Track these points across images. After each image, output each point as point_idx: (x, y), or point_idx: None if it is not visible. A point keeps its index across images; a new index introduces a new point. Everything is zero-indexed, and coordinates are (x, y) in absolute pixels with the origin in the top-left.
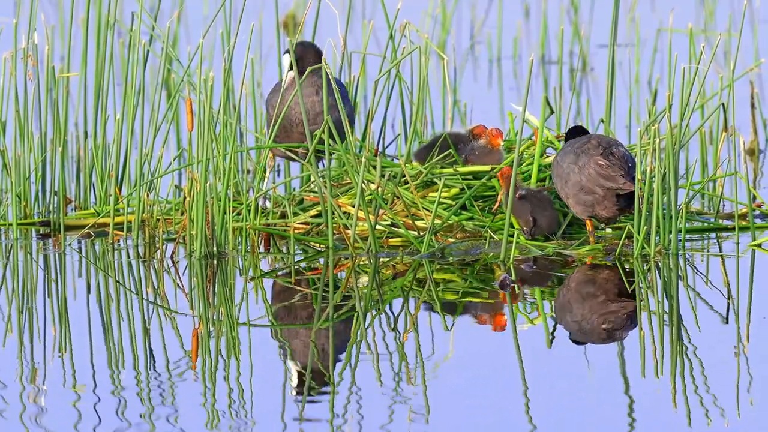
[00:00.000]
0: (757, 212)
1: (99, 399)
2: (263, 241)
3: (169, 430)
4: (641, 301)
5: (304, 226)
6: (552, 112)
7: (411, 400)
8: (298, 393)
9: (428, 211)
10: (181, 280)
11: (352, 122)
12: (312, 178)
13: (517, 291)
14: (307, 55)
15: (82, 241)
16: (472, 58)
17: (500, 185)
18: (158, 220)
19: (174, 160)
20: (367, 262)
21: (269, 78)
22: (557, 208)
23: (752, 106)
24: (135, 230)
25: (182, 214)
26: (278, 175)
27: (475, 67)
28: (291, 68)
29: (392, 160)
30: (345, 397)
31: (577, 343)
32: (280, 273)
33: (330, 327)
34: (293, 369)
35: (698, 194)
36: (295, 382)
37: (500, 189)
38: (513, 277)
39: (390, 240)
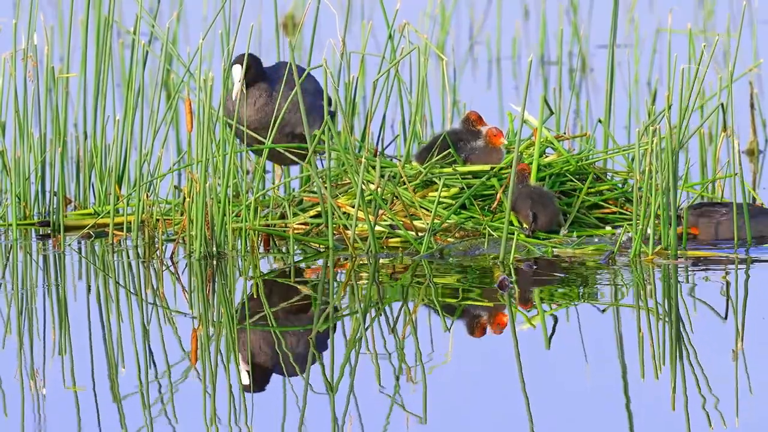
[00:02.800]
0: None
1: (98, 400)
2: (263, 241)
3: (169, 431)
4: (640, 301)
5: (304, 226)
6: (552, 113)
7: (409, 401)
8: (246, 390)
9: (427, 211)
10: (180, 281)
11: (320, 118)
12: (312, 179)
13: (516, 292)
14: (252, 67)
15: (82, 242)
16: (471, 59)
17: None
18: (158, 220)
19: (174, 164)
20: (366, 262)
21: None
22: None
23: (751, 106)
24: (134, 231)
25: (182, 215)
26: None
27: (474, 68)
28: (241, 79)
29: (391, 160)
30: (344, 398)
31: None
32: (279, 273)
33: (329, 328)
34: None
35: (698, 195)
36: (246, 379)
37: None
38: (512, 278)
39: (389, 240)
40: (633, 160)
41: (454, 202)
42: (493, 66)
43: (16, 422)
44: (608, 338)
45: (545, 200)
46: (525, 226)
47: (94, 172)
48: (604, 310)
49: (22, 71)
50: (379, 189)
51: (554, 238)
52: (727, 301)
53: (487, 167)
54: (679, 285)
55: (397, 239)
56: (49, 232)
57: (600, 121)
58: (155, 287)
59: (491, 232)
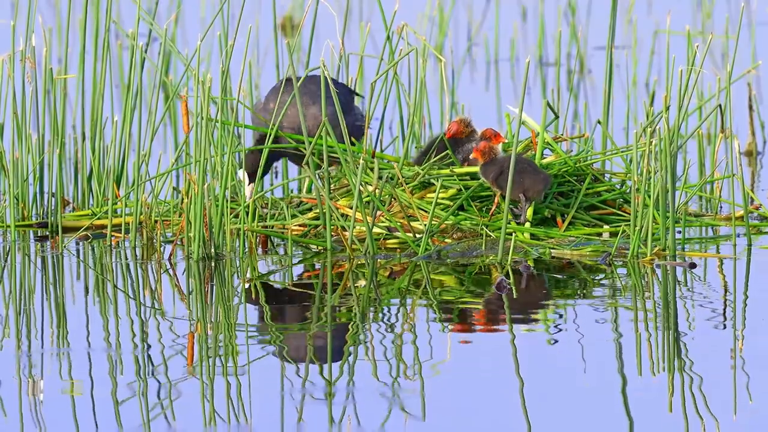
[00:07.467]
0: (755, 215)
1: (96, 401)
2: (261, 243)
3: None
4: (637, 302)
5: (302, 228)
6: (556, 116)
7: (407, 400)
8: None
9: (425, 212)
10: (179, 282)
11: (355, 131)
12: (311, 180)
13: (514, 293)
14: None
15: (80, 243)
16: (470, 60)
17: (479, 159)
18: (156, 221)
19: (173, 163)
20: (364, 263)
21: (266, 80)
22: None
23: (750, 108)
24: (133, 232)
25: (180, 216)
26: (276, 177)
27: (473, 69)
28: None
29: (387, 161)
30: (342, 398)
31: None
32: (277, 275)
33: (328, 329)
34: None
35: (696, 196)
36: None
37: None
38: (510, 279)
39: (387, 241)
40: (631, 161)
41: (452, 203)
42: (492, 67)
43: (15, 423)
44: (606, 339)
45: (528, 167)
46: (519, 205)
47: (93, 173)
48: (601, 312)
49: (21, 73)
50: (377, 191)
51: (552, 237)
52: (725, 301)
53: None
54: (677, 285)
55: (395, 240)
56: (47, 233)
57: (599, 122)
58: (153, 289)
59: (489, 233)
